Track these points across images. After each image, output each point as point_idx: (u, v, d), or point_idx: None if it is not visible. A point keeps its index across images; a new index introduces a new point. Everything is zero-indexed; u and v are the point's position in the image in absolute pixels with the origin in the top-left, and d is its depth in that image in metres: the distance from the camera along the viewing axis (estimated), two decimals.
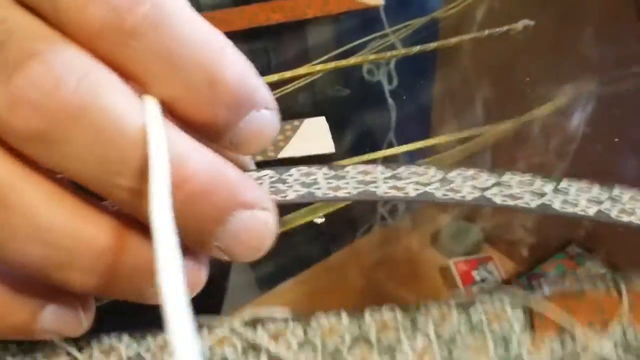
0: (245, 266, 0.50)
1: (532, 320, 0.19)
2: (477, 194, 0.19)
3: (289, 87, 0.33)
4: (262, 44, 0.38)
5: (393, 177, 0.19)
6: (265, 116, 0.17)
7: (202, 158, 0.16)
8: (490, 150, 0.34)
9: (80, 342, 0.19)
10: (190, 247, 0.17)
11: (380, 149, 0.34)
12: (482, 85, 0.35)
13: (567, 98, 0.33)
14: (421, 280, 0.51)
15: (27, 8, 0.15)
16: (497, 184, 0.19)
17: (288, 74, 0.32)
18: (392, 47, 0.36)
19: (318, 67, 0.32)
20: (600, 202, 0.20)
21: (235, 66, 0.16)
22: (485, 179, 0.20)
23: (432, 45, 0.36)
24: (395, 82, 0.36)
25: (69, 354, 0.19)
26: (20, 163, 0.15)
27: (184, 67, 0.16)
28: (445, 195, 0.19)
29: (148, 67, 0.16)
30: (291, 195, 0.18)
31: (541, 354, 0.19)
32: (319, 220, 0.27)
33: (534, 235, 0.51)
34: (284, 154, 0.29)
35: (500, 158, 0.37)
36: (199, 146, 0.16)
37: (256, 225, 0.17)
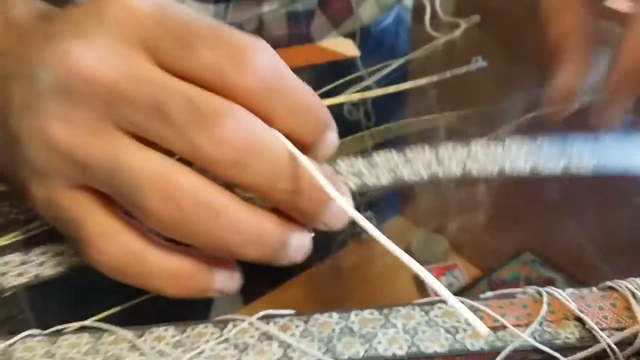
0: None
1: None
2: None
3: None
4: None
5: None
6: (332, 134, 0.26)
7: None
8: None
9: (137, 331, 0.26)
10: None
11: None
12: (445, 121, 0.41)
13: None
14: (396, 286, 0.57)
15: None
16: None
17: None
18: (368, 89, 0.42)
19: None
20: None
21: (322, 105, 0.26)
22: None
23: (405, 85, 0.43)
24: (373, 119, 0.43)
25: (129, 340, 0.25)
26: (224, 188, 0.24)
27: (300, 113, 0.25)
28: None
29: (280, 115, 0.24)
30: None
31: (480, 341, 0.25)
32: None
33: (493, 244, 0.58)
34: None
35: None
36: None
37: (340, 211, 0.25)
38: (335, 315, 0.26)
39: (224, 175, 0.23)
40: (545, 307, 0.26)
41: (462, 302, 0.25)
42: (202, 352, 0.25)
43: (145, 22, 0.24)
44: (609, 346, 0.25)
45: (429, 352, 0.25)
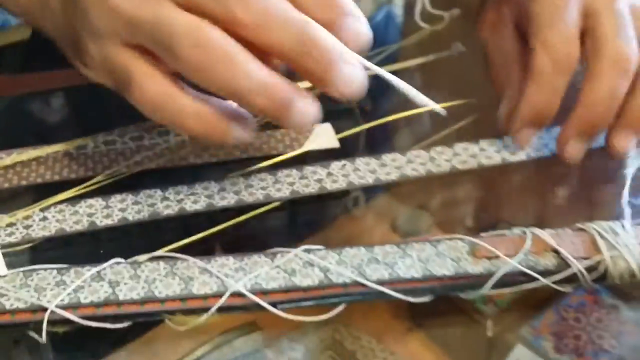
0: None
1: (473, 250, 0.33)
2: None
3: None
4: None
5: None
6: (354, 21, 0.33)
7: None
8: None
9: (204, 259, 0.32)
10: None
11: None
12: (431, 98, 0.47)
13: None
14: None
15: None
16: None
17: None
18: None
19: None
20: None
21: None
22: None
23: (394, 66, 0.50)
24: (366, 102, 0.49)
25: (199, 266, 0.31)
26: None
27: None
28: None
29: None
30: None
31: (479, 266, 0.32)
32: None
33: (469, 217, 0.64)
34: (305, 148, 0.42)
35: None
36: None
37: (350, 77, 0.30)
38: (362, 248, 0.33)
39: (250, 36, 0.29)
40: (529, 242, 0.33)
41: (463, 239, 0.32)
42: (258, 275, 0.31)
43: None
44: (579, 270, 0.32)
45: (439, 275, 0.32)
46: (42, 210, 0.36)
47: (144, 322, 0.31)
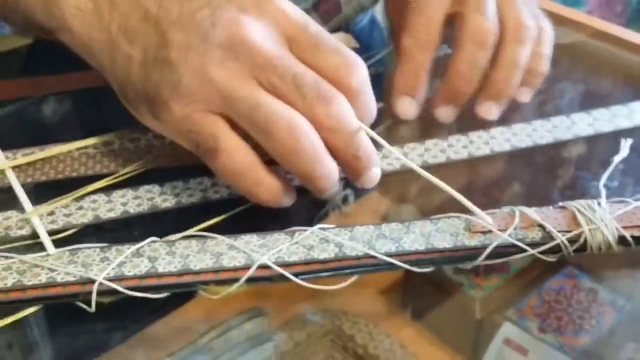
0: None
1: (469, 226, 0.37)
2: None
3: None
4: None
5: None
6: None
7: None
8: None
9: (231, 237, 0.36)
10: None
11: None
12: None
13: None
14: None
15: None
16: None
17: None
18: None
19: None
20: None
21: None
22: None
23: (390, 69, 0.54)
24: None
25: (227, 243, 0.35)
26: None
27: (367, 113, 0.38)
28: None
29: (360, 109, 0.37)
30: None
31: (474, 240, 0.36)
32: None
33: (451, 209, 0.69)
34: None
35: None
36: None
37: (374, 176, 0.38)
38: (371, 226, 0.37)
39: (323, 135, 0.35)
40: (517, 218, 0.37)
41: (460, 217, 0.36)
42: (280, 250, 0.35)
43: (292, 23, 0.36)
44: (562, 242, 0.36)
45: (440, 247, 0.36)
46: (76, 200, 0.40)
47: (178, 294, 0.35)
